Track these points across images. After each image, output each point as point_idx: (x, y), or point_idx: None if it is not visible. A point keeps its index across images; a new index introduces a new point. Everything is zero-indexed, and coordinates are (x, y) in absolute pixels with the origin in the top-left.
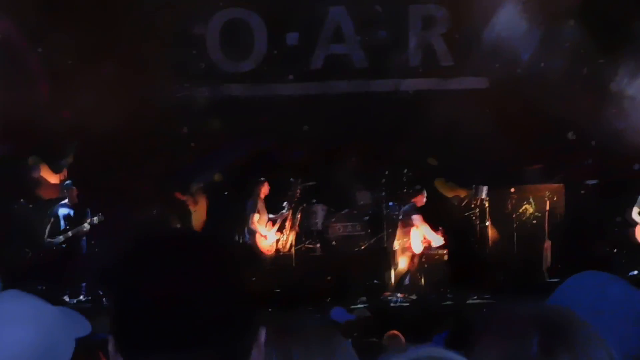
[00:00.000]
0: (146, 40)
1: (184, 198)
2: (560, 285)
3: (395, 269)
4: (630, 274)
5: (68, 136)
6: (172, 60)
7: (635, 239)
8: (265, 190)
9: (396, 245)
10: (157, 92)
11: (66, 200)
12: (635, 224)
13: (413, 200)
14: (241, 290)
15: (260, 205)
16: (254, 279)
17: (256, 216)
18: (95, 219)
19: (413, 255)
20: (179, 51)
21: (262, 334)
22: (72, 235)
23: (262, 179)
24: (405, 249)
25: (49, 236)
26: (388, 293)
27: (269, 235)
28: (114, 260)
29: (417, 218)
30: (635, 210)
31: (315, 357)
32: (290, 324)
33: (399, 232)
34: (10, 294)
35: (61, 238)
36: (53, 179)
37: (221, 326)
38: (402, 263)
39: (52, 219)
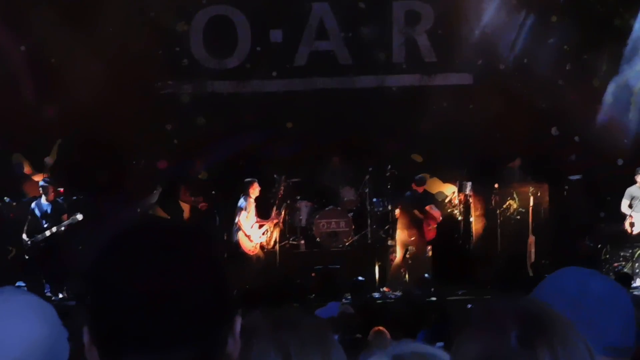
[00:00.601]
0: (129, 38)
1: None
2: (542, 281)
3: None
4: (617, 269)
5: (52, 134)
6: (156, 57)
7: (626, 230)
8: (254, 190)
9: (401, 235)
10: (141, 89)
11: (42, 198)
12: (624, 216)
13: (416, 188)
14: (220, 283)
15: (250, 204)
16: (237, 275)
17: (243, 214)
18: (78, 216)
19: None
20: (163, 48)
21: (238, 325)
22: (50, 235)
23: (251, 179)
24: (412, 240)
25: (27, 235)
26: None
27: (253, 235)
28: (94, 254)
29: (433, 207)
30: (624, 202)
31: (311, 355)
32: (286, 320)
33: (402, 222)
34: (9, 290)
35: (39, 237)
36: (37, 176)
37: (199, 320)
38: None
39: (30, 217)
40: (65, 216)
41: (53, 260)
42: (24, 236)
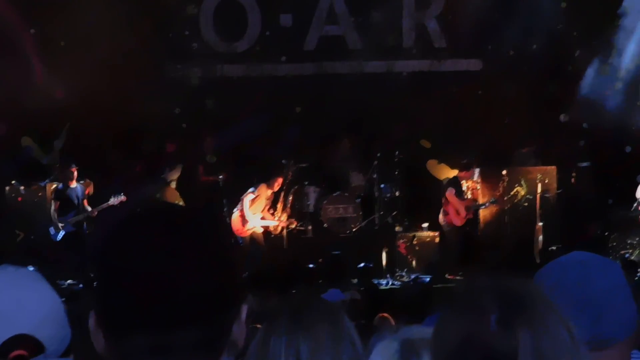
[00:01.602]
0: (139, 20)
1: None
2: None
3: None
4: (624, 256)
5: (61, 117)
6: (165, 40)
7: (634, 218)
8: (275, 184)
9: (441, 220)
10: (150, 72)
11: (72, 183)
12: (633, 203)
13: (460, 174)
14: (227, 269)
15: (262, 191)
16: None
17: (251, 196)
18: (122, 197)
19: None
20: (172, 31)
21: (244, 312)
22: (90, 213)
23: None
24: (447, 223)
25: (60, 216)
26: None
27: (251, 220)
28: (101, 237)
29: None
30: None
31: (322, 354)
32: (303, 317)
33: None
34: (8, 266)
35: (80, 217)
36: (45, 160)
37: (204, 303)
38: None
39: (59, 202)
40: (85, 201)
41: (61, 245)
42: (57, 219)
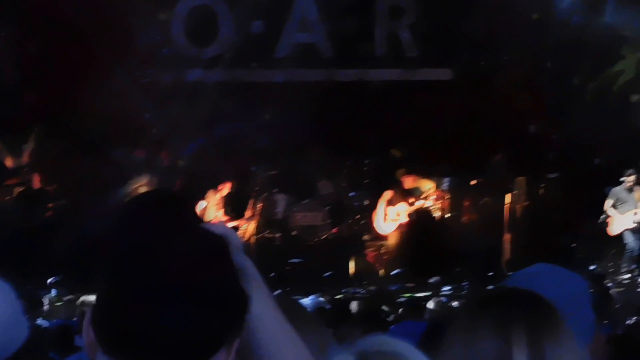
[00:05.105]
0: (111, 26)
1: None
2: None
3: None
4: (591, 268)
5: (30, 121)
6: (136, 45)
7: (609, 231)
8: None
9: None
10: (121, 77)
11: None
12: (600, 215)
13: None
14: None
15: (211, 197)
16: None
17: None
18: None
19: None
20: (144, 37)
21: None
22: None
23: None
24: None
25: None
26: None
27: None
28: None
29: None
30: (608, 202)
31: None
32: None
33: None
34: None
35: None
36: (14, 163)
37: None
38: None
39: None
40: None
41: (32, 247)
42: None
